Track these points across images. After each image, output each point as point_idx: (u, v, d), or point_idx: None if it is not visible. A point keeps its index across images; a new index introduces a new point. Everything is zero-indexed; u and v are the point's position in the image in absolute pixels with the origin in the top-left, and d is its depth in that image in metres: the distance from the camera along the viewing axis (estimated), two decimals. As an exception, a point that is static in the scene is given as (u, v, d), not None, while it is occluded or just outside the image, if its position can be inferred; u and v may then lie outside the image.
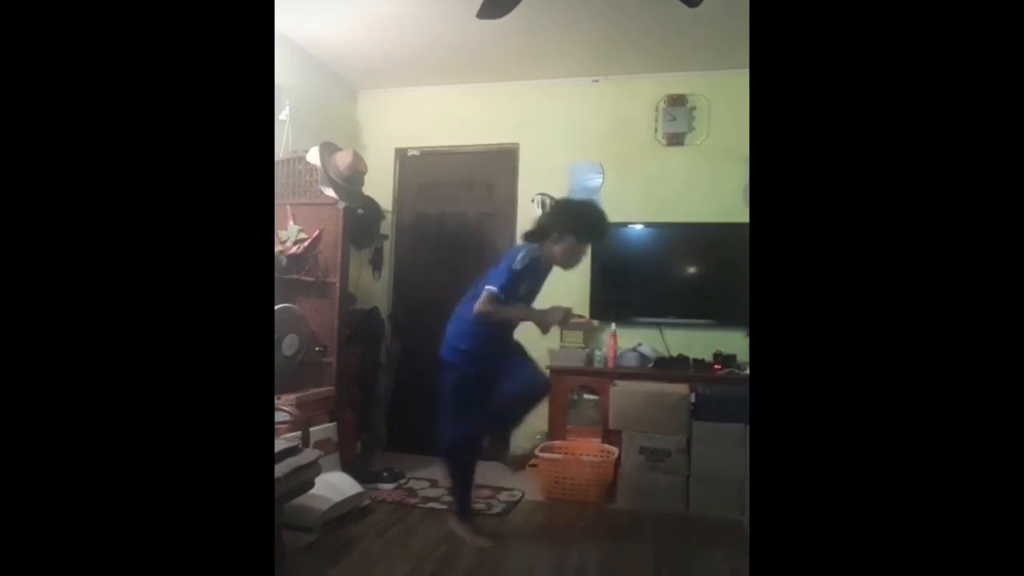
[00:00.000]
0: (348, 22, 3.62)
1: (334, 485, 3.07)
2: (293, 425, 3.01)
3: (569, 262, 2.84)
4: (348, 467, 3.46)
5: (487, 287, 2.68)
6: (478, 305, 2.68)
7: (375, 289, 4.51)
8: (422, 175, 4.69)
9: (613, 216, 4.14)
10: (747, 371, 3.75)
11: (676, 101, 4.21)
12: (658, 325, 4.10)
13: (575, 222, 2.78)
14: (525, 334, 4.29)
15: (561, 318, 2.79)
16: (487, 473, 3.85)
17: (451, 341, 2.86)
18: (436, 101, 4.58)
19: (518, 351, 3.01)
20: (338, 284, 3.60)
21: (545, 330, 2.88)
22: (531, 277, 2.80)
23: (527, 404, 2.91)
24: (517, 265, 2.70)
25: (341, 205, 3.60)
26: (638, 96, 4.27)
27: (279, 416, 2.97)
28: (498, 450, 3.30)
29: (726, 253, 3.93)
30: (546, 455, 3.63)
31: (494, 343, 2.85)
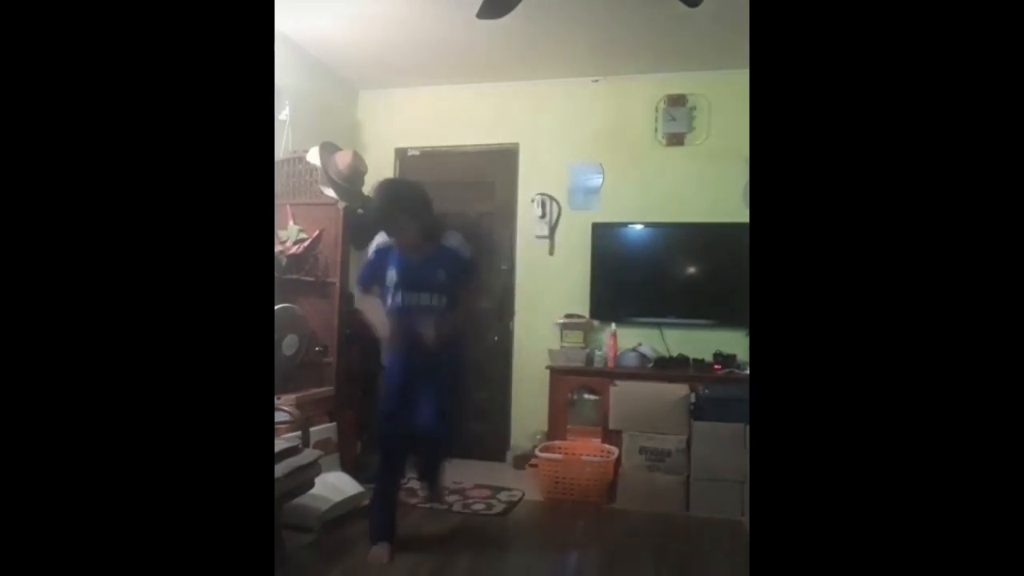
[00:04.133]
0: (348, 22, 3.62)
1: (334, 485, 3.07)
2: (293, 425, 3.01)
3: (397, 243, 2.64)
4: (348, 467, 3.46)
5: None
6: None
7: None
8: (422, 175, 4.67)
9: (613, 216, 4.21)
10: (747, 371, 3.75)
11: (676, 101, 4.21)
12: (658, 325, 4.10)
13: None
14: (522, 330, 4.34)
15: (385, 338, 2.67)
16: (487, 473, 3.87)
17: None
18: (436, 101, 4.58)
19: (432, 374, 2.66)
20: (338, 284, 3.60)
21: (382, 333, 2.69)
22: (392, 265, 2.64)
23: (431, 452, 2.80)
24: (369, 252, 2.71)
25: (341, 205, 3.61)
26: (638, 96, 4.27)
27: (279, 416, 2.97)
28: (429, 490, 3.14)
29: (726, 253, 3.93)
30: (546, 455, 3.63)
31: (399, 355, 2.68)
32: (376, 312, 2.70)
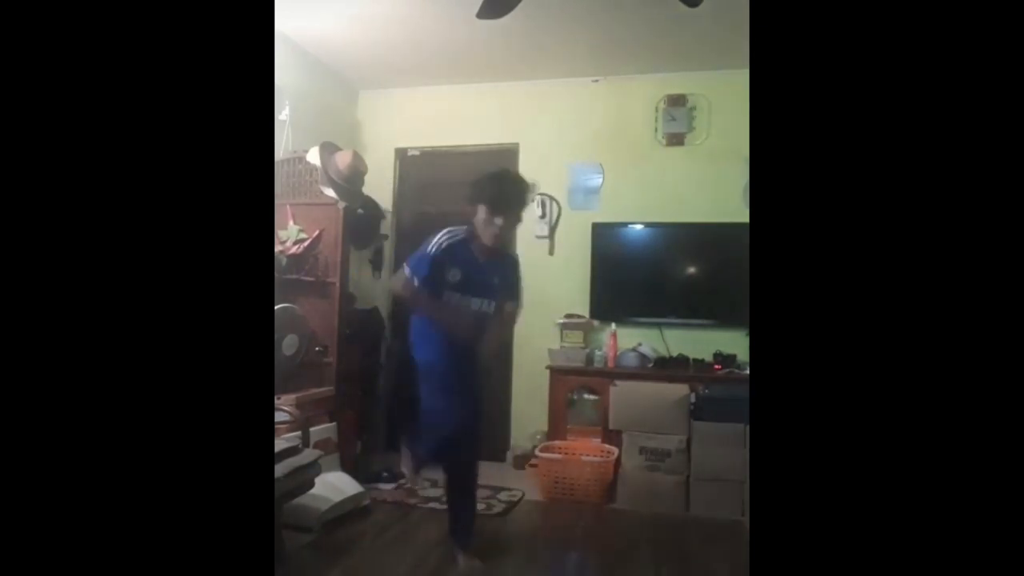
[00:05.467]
0: (348, 22, 3.63)
1: (334, 485, 3.07)
2: (293, 425, 3.01)
3: (491, 240, 2.50)
4: (348, 467, 3.47)
5: (404, 265, 2.49)
6: (392, 283, 2.48)
7: (375, 289, 4.51)
8: (422, 175, 4.69)
9: (613, 216, 4.22)
10: (747, 371, 3.75)
11: (676, 101, 4.22)
12: (658, 325, 4.10)
13: (485, 190, 2.51)
14: (522, 330, 4.33)
15: (470, 334, 2.45)
16: (487, 473, 3.87)
17: (412, 339, 2.65)
18: (436, 101, 4.58)
19: (472, 376, 2.62)
20: (338, 284, 3.60)
21: (458, 337, 2.47)
22: (458, 264, 2.49)
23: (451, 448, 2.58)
24: (432, 248, 2.46)
25: (341, 205, 3.61)
26: (638, 96, 4.27)
27: (279, 416, 2.97)
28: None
29: (726, 253, 3.93)
30: (546, 455, 3.63)
31: (448, 351, 2.52)
32: (448, 312, 2.51)
